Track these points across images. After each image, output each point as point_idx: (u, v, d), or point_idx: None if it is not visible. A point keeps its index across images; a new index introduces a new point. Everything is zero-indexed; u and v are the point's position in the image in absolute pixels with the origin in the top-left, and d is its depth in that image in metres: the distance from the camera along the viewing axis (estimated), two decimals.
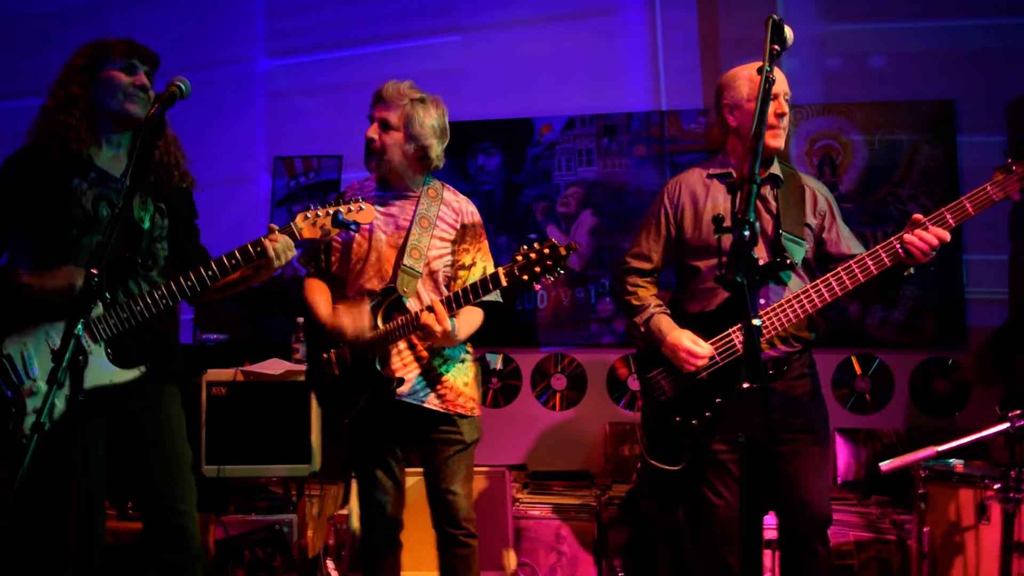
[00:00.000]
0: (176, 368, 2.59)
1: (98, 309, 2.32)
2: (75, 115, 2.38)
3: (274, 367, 3.84)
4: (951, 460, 2.85)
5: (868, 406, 4.38)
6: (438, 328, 2.59)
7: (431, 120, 2.79)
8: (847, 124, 4.48)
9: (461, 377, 2.84)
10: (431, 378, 2.79)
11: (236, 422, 3.75)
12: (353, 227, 2.53)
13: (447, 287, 2.84)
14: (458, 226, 2.86)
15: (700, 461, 2.66)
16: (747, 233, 1.60)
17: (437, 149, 2.82)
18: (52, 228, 2.37)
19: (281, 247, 2.41)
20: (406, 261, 2.76)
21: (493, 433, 4.22)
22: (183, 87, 2.22)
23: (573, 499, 3.97)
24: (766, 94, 1.88)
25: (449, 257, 2.84)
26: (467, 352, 2.91)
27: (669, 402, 2.71)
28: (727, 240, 1.72)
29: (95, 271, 1.84)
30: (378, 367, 2.71)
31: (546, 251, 2.49)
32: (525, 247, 2.52)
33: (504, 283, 2.54)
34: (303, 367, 3.87)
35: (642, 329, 2.76)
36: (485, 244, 2.91)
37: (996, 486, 2.64)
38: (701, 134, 4.53)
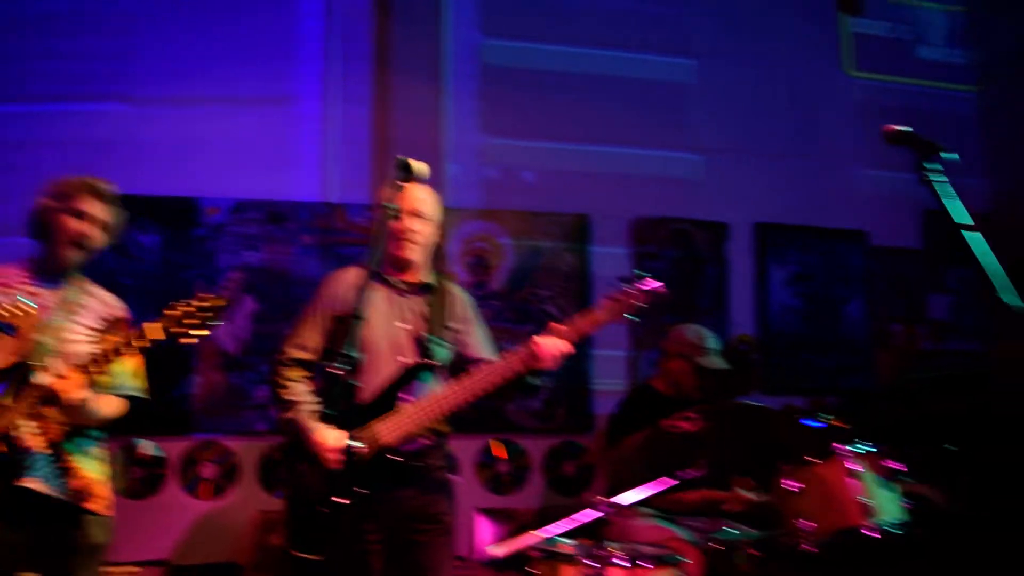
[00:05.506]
0: None
1: None
2: None
3: None
4: (564, 539, 3.14)
5: (507, 487, 4.77)
6: (72, 396, 2.47)
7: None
8: (499, 228, 4.97)
9: (95, 469, 2.69)
10: (60, 465, 2.60)
11: None
12: None
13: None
14: (110, 319, 2.79)
15: (341, 551, 2.75)
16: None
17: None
18: None
19: None
20: (41, 338, 2.62)
21: (133, 528, 3.99)
22: None
23: None
24: (382, 224, 2.10)
25: (91, 346, 2.69)
26: (100, 447, 2.76)
27: (313, 492, 2.78)
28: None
29: None
30: None
31: (194, 305, 2.54)
32: (173, 302, 2.53)
33: (149, 337, 2.52)
34: None
35: (289, 424, 2.84)
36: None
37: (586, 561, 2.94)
38: (367, 228, 4.74)
